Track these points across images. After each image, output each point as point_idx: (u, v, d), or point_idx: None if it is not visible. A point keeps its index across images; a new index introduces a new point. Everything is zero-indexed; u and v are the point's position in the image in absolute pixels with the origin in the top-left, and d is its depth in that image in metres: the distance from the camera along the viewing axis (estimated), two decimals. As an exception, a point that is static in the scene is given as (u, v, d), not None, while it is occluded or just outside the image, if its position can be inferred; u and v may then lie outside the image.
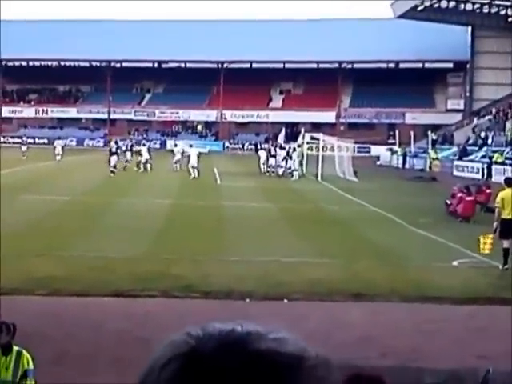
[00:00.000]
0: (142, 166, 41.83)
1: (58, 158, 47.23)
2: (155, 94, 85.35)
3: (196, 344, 0.92)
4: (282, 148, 43.38)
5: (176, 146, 46.57)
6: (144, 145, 47.77)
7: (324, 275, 14.13)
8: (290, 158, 41.65)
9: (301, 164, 42.53)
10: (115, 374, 8.70)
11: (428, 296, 12.73)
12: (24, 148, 51.69)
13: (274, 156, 42.28)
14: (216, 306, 12.08)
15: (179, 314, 11.59)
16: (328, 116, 75.89)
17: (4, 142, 49.34)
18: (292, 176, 39.73)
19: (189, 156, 39.84)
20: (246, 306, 11.84)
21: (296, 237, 18.97)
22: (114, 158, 39.07)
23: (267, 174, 41.67)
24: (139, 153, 43.41)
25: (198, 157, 39.31)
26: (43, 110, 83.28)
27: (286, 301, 12.25)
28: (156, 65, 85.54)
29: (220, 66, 79.22)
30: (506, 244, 14.86)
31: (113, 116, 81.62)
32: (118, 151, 40.91)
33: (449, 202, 24.35)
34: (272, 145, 47.26)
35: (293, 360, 0.90)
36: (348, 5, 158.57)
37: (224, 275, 13.97)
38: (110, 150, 40.01)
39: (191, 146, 44.81)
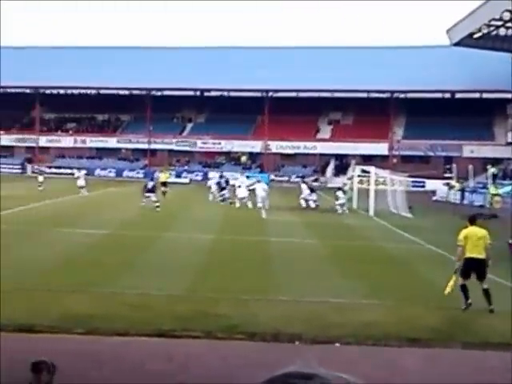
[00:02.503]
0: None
1: (83, 191, 46.48)
2: (197, 124, 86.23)
3: None
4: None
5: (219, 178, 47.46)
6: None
7: (376, 317, 14.01)
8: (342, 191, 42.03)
9: (350, 199, 42.73)
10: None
11: (489, 342, 12.51)
12: (41, 178, 50.98)
13: (314, 190, 43.33)
14: (262, 348, 12.05)
15: (223, 357, 11.59)
16: (380, 148, 75.66)
17: (40, 172, 50.01)
18: (339, 211, 39.92)
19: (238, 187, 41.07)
20: (294, 349, 11.78)
21: (346, 276, 18.87)
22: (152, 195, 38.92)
23: (305, 207, 42.06)
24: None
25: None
26: (82, 140, 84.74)
27: (337, 344, 12.15)
28: (198, 93, 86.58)
29: (265, 94, 79.81)
30: (462, 281, 15.18)
31: (153, 146, 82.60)
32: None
33: (511, 241, 23.96)
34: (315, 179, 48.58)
35: None
36: (400, 31, 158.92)
37: (271, 316, 13.94)
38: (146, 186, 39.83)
39: (248, 177, 46.29)
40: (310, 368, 1.03)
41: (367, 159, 67.77)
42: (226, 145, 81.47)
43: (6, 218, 30.64)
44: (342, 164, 75.26)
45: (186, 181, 72.85)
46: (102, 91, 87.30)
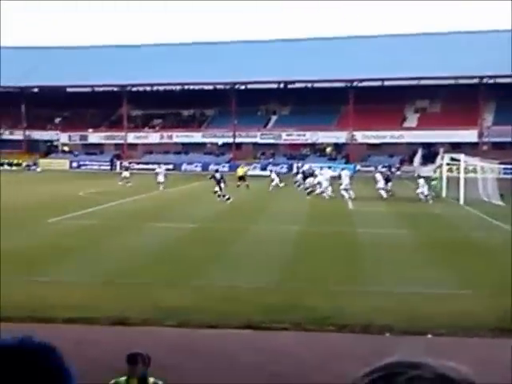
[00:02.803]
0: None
1: (161, 187, 47.01)
2: (281, 116, 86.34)
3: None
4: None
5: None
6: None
7: (469, 308, 13.74)
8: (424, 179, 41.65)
9: (437, 187, 42.16)
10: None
11: None
12: (127, 174, 52.09)
13: (389, 180, 42.87)
14: (352, 340, 12.00)
15: (313, 349, 11.60)
16: (469, 135, 74.03)
17: (129, 168, 51.08)
18: (422, 199, 39.69)
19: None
20: (385, 341, 11.68)
21: (438, 266, 18.56)
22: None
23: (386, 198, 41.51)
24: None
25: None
26: (168, 136, 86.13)
27: (430, 336, 11.98)
28: (282, 85, 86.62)
29: (349, 84, 79.19)
30: None
31: (238, 140, 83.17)
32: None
33: None
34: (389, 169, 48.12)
35: None
36: (487, 16, 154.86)
37: (361, 307, 13.86)
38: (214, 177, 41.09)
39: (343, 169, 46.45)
40: (417, 357, 1.02)
41: (456, 147, 66.37)
42: (311, 136, 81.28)
43: (98, 214, 31.50)
44: (430, 152, 73.91)
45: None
46: (186, 87, 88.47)
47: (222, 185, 39.82)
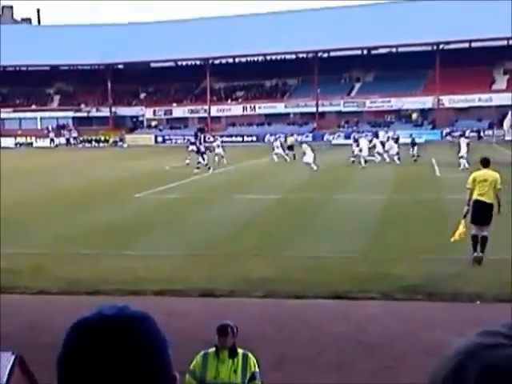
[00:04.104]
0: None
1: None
2: (365, 83, 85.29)
3: (487, 353, 0.94)
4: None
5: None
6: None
7: None
8: None
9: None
10: (337, 378, 8.85)
11: None
12: (192, 147, 50.34)
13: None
14: (441, 308, 11.86)
15: (402, 318, 11.53)
16: (562, 95, 71.45)
17: (214, 141, 51.38)
18: None
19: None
20: (475, 309, 11.50)
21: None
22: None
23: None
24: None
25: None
26: (251, 107, 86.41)
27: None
28: (365, 52, 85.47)
29: (435, 47, 77.46)
30: (474, 230, 14.73)
31: (321, 109, 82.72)
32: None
33: None
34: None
35: None
36: None
37: (449, 275, 13.68)
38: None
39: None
40: None
41: (549, 108, 64.14)
42: (396, 102, 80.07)
43: (183, 187, 31.98)
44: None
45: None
46: (268, 57, 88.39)
47: (205, 156, 41.05)
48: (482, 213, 14.76)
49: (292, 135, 53.62)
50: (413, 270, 14.15)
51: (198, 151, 41.76)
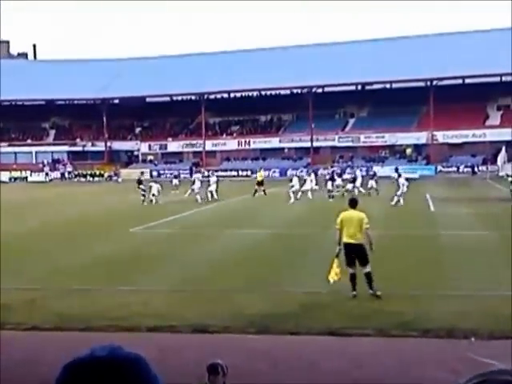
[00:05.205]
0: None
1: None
2: (359, 119, 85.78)
3: None
4: None
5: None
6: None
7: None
8: None
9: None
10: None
11: None
12: (175, 182, 52.81)
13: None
14: (437, 345, 11.80)
15: (397, 355, 11.46)
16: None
17: (208, 176, 51.37)
18: None
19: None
20: (470, 346, 11.44)
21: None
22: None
23: None
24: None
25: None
26: (245, 142, 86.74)
27: (516, 340, 11.66)
28: (359, 88, 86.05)
29: (429, 83, 78.05)
30: (349, 270, 15.01)
31: (316, 144, 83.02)
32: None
33: None
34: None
35: None
36: None
37: (444, 311, 13.62)
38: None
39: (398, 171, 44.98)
40: None
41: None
42: (390, 138, 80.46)
43: (179, 222, 31.95)
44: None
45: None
46: (263, 92, 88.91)
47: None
48: (354, 254, 15.02)
49: (261, 170, 52.24)
50: (408, 306, 14.10)
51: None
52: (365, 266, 15.00)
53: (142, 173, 47.65)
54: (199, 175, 48.78)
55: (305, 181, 45.31)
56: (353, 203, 15.69)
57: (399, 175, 41.77)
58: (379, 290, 15.39)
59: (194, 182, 45.49)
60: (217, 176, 48.19)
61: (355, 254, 15.05)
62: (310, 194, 43.26)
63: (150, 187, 43.58)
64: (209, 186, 44.91)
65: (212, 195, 43.91)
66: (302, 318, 13.39)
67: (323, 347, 11.92)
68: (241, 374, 7.40)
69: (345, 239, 15.11)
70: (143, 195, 42.82)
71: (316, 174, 52.06)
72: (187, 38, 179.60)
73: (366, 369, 10.59)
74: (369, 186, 45.20)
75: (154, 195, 42.90)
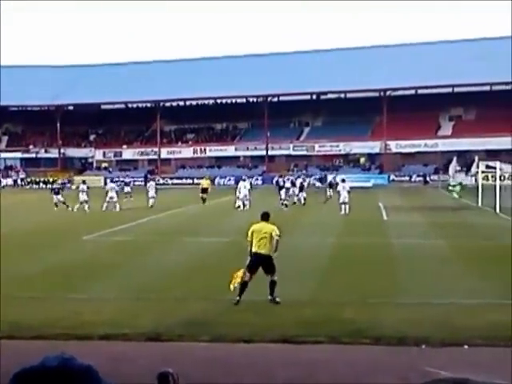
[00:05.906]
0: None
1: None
2: (314, 128, 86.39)
3: None
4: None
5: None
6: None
7: (506, 318, 13.52)
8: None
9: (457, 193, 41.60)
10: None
11: None
12: (127, 189, 53.37)
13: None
14: (388, 352, 11.90)
15: (349, 362, 11.52)
16: (505, 142, 73.25)
17: (163, 184, 51.19)
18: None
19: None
20: (421, 353, 11.57)
21: (474, 277, 18.34)
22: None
23: None
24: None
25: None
26: (201, 150, 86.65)
27: (466, 347, 11.84)
28: (314, 97, 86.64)
29: (383, 94, 78.95)
30: (247, 276, 15.37)
31: (271, 152, 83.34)
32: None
33: None
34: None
35: None
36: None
37: (396, 319, 13.74)
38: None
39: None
40: (461, 373, 1.03)
41: (492, 155, 65.74)
42: (344, 147, 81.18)
43: (132, 230, 31.72)
44: (466, 161, 73.31)
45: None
46: (219, 100, 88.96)
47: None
48: (260, 264, 15.47)
49: (207, 178, 52.10)
50: (360, 314, 14.20)
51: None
52: (272, 274, 15.47)
53: (84, 181, 46.72)
54: (153, 183, 48.58)
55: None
56: (265, 216, 16.33)
57: (337, 183, 42.21)
58: (333, 297, 15.50)
59: (148, 190, 45.34)
60: (173, 183, 48.07)
61: (262, 263, 15.52)
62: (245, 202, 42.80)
63: (107, 192, 43.43)
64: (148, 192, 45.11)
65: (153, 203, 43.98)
66: (256, 326, 13.39)
67: (277, 355, 11.93)
68: (193, 382, 7.37)
69: (254, 249, 15.63)
70: (64, 203, 42.89)
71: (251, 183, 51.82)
72: (144, 45, 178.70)
73: (318, 376, 10.62)
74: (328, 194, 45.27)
75: (111, 199, 42.73)
